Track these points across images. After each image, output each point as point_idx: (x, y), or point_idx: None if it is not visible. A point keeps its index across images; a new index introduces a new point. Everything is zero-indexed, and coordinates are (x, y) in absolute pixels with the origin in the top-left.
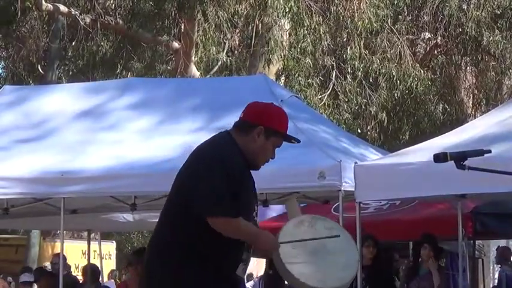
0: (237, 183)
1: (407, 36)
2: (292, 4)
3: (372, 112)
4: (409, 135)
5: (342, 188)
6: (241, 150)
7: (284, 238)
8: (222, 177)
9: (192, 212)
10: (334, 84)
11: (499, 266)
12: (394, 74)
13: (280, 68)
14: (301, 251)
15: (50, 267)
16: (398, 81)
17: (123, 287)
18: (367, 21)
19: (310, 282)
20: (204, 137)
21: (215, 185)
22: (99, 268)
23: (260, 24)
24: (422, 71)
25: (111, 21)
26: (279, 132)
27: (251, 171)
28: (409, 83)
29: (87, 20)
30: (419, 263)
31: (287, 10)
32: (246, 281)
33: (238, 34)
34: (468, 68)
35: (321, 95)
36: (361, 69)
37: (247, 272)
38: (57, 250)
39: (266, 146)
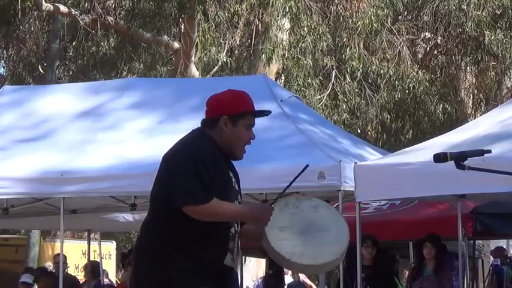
0: (210, 175)
1: (407, 36)
2: (292, 4)
3: (372, 112)
4: (409, 135)
5: (342, 188)
6: (217, 143)
7: (271, 222)
8: (193, 171)
9: (172, 208)
10: (333, 85)
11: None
12: (392, 74)
13: (280, 67)
14: (289, 232)
15: (52, 267)
16: (396, 82)
17: (123, 287)
18: (367, 21)
19: (300, 261)
20: None
21: (187, 179)
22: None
23: (260, 24)
24: (421, 73)
25: (111, 21)
26: (244, 113)
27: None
28: (407, 85)
29: (87, 20)
30: (424, 263)
31: (287, 10)
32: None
33: (239, 34)
34: (468, 68)
35: (320, 95)
36: (361, 70)
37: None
38: (57, 250)
39: (237, 131)
